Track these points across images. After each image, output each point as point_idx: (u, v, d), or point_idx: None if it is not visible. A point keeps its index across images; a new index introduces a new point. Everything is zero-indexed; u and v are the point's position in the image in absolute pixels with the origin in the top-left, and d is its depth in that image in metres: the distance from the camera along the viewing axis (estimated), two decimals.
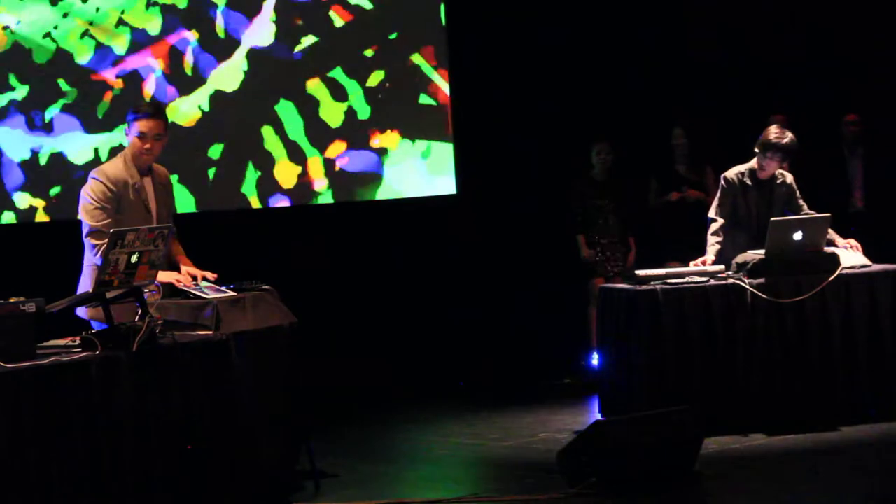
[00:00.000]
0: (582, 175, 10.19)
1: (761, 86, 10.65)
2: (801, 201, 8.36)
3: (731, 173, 8.30)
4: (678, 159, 10.16)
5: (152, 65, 9.41)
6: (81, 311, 6.50)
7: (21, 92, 9.03)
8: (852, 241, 8.20)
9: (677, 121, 10.18)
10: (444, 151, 10.44)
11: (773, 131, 8.18)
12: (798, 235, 7.95)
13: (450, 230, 10.55)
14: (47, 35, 9.08)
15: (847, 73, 10.62)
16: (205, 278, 6.69)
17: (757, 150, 8.20)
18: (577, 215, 10.13)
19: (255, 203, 9.73)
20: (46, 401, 5.38)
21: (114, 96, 9.26)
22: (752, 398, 7.82)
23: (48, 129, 9.10)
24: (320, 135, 10.01)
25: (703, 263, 8.05)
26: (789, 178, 8.36)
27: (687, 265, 8.19)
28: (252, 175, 9.73)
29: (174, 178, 7.32)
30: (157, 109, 6.83)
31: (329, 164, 10.01)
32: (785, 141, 8.12)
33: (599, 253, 10.10)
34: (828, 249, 8.05)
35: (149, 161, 6.78)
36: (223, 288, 6.66)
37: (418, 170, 10.35)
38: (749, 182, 8.25)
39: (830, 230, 8.13)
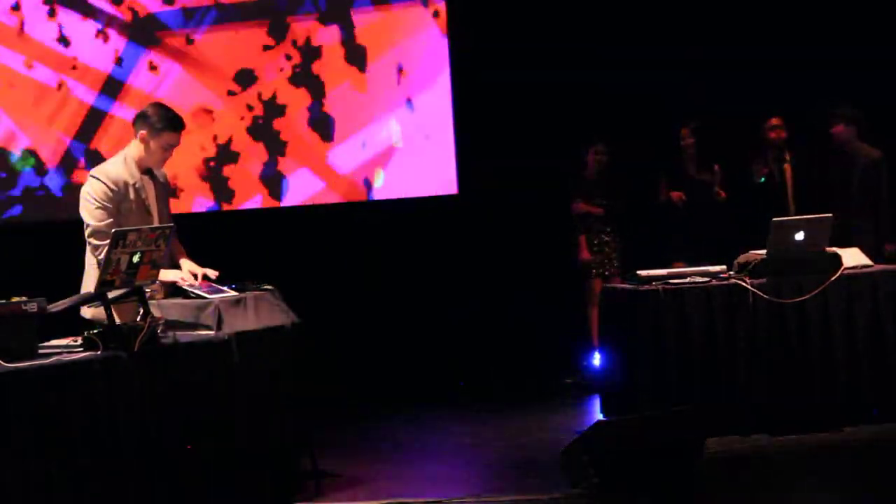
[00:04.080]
0: (576, 175, 10.20)
1: (762, 85, 10.63)
2: (883, 183, 9.15)
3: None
4: (686, 159, 10.17)
5: None
6: (83, 311, 6.49)
7: None
8: None
9: (685, 121, 10.18)
10: (444, 151, 10.45)
11: None
12: (800, 235, 7.94)
13: (450, 230, 10.55)
14: None
15: (848, 72, 10.60)
16: (206, 276, 6.68)
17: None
18: (576, 216, 10.13)
19: (257, 203, 9.72)
20: (48, 400, 5.37)
21: None
22: (754, 398, 7.81)
23: None
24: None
25: None
26: (875, 154, 9.32)
27: (691, 265, 8.22)
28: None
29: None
30: (182, 121, 6.85)
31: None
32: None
33: (597, 253, 10.11)
34: (829, 249, 8.05)
35: (159, 167, 6.79)
36: (224, 287, 6.65)
37: (419, 169, 10.36)
38: (829, 160, 9.37)
39: None
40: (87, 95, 9.86)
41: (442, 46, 10.44)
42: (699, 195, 10.04)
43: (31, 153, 9.91)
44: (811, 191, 9.87)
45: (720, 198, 10.04)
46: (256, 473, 6.42)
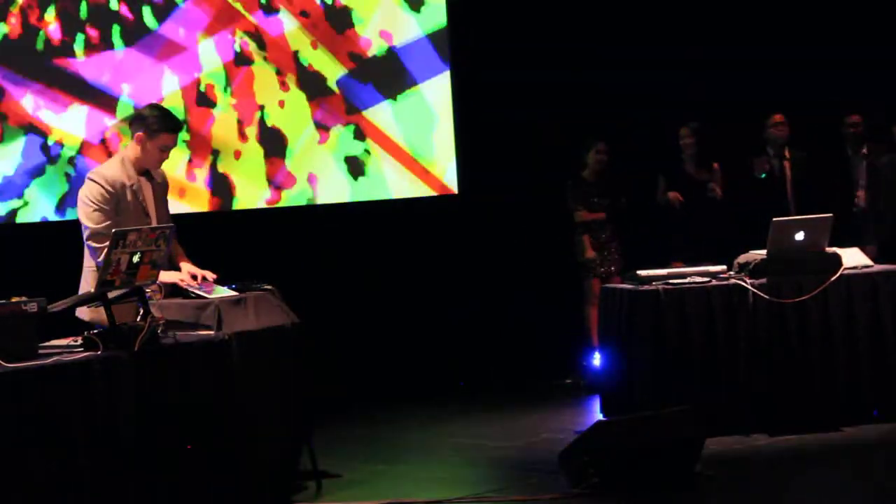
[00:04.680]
0: (575, 176, 10.22)
1: (765, 85, 10.64)
2: None
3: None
4: (686, 158, 10.18)
5: None
6: (81, 314, 6.48)
7: None
8: None
9: (685, 121, 10.20)
10: (444, 151, 10.45)
11: None
12: (800, 235, 7.95)
13: (450, 230, 10.55)
14: None
15: (849, 72, 10.61)
16: (204, 278, 6.69)
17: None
18: (578, 224, 10.16)
19: (256, 203, 9.72)
20: (48, 400, 5.37)
21: None
22: (754, 398, 7.82)
23: None
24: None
25: None
26: None
27: (690, 265, 8.23)
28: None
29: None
30: (179, 122, 6.88)
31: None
32: None
33: (597, 253, 10.13)
34: (829, 249, 8.05)
35: (156, 168, 6.80)
36: (225, 288, 6.65)
37: (419, 170, 10.36)
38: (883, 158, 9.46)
39: None
40: None
41: (442, 46, 10.44)
42: (699, 195, 10.05)
43: None
44: (822, 190, 9.93)
45: (716, 195, 10.04)
46: (256, 474, 6.42)
